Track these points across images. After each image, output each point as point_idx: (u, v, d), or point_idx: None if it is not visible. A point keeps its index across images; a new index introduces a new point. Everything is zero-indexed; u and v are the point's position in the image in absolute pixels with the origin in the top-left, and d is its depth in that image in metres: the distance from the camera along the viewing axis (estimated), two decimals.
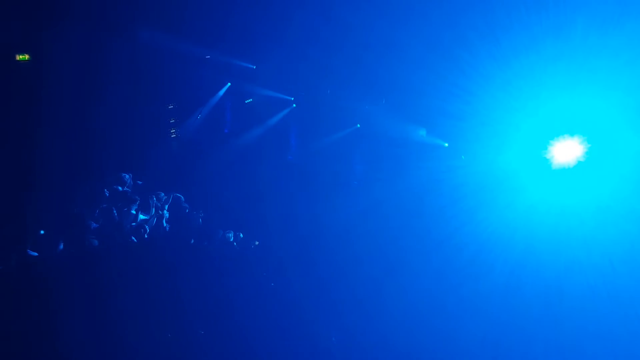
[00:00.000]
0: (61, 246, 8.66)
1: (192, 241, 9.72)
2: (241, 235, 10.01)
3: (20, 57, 11.32)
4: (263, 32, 12.48)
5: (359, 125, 14.51)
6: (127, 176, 10.62)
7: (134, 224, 9.78)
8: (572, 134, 11.33)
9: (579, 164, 11.25)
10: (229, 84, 14.02)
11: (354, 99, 14.06)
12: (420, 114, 13.40)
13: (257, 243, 9.82)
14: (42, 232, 8.75)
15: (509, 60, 11.30)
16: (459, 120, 12.54)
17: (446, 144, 13.59)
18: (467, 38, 11.55)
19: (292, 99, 14.46)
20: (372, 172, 14.05)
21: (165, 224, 10.04)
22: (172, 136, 13.64)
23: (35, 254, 8.27)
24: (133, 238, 9.30)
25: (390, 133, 13.86)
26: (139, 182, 10.80)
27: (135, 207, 10.07)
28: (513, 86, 11.52)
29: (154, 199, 10.28)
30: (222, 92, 13.99)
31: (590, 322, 8.75)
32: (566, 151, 11.36)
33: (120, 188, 10.36)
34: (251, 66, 13.77)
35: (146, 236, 9.59)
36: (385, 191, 12.91)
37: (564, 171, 11.37)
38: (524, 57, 11.14)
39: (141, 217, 10.06)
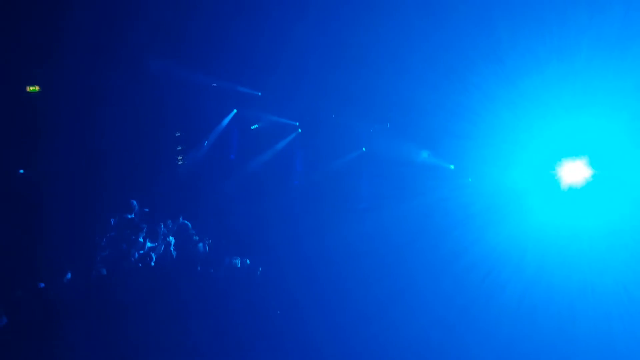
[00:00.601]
0: (69, 275, 8.71)
1: (199, 268, 9.70)
2: (248, 261, 9.96)
3: (31, 88, 11.55)
4: (267, 59, 12.62)
5: (364, 149, 14.50)
6: (134, 203, 10.69)
7: (141, 251, 9.81)
8: (579, 154, 11.24)
9: (588, 185, 11.12)
10: (235, 110, 14.17)
11: (359, 122, 14.09)
12: (426, 134, 13.38)
13: (260, 270, 9.75)
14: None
15: (514, 79, 11.29)
16: (465, 139, 12.50)
17: (452, 166, 13.53)
18: (472, 59, 11.58)
19: (297, 124, 14.54)
20: (378, 194, 14.00)
21: (172, 251, 10.04)
22: (179, 163, 13.75)
23: (43, 284, 8.31)
24: (140, 265, 9.31)
25: (395, 154, 13.84)
26: (146, 209, 10.86)
27: (142, 234, 10.11)
28: (518, 106, 11.48)
29: (161, 226, 10.33)
30: (228, 118, 14.14)
31: (604, 346, 8.55)
32: (574, 172, 11.26)
33: (128, 216, 10.42)
34: (256, 93, 13.92)
35: (153, 264, 9.61)
36: (392, 213, 12.84)
37: (573, 192, 11.25)
38: (529, 76, 11.14)
39: (148, 244, 10.10)
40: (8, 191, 10.49)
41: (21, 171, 9.50)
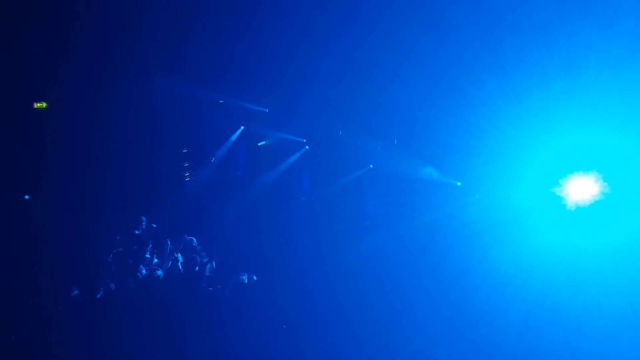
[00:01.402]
0: (75, 292, 8.79)
1: (205, 285, 9.74)
2: (255, 278, 9.99)
3: (38, 105, 11.69)
4: (274, 76, 12.71)
5: (371, 166, 14.52)
6: (141, 219, 10.78)
7: (148, 267, 9.88)
8: (586, 171, 11.17)
9: (595, 203, 11.04)
10: (242, 127, 14.26)
11: (365, 139, 14.11)
12: (432, 151, 13.35)
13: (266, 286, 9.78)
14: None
15: (520, 95, 11.27)
16: (471, 156, 12.47)
17: (459, 183, 13.51)
18: (478, 74, 11.60)
19: (304, 140, 14.60)
20: (384, 211, 13.98)
21: (179, 267, 10.09)
22: (187, 179, 13.84)
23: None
24: (147, 281, 9.37)
25: (401, 171, 13.83)
26: (153, 225, 10.95)
27: (149, 250, 10.18)
28: (524, 122, 11.45)
29: (168, 242, 10.39)
30: (235, 135, 14.22)
31: None
32: (581, 189, 11.17)
33: (135, 232, 10.51)
34: (264, 109, 14.00)
35: (160, 279, 9.66)
36: (397, 230, 12.82)
37: (580, 210, 11.17)
38: (536, 91, 11.10)
39: (155, 260, 10.16)
40: (15, 205, 10.63)
41: (26, 197, 9.61)
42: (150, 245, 10.24)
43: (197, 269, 9.95)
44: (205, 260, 10.35)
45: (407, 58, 11.96)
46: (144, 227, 10.66)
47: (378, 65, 12.35)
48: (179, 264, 10.12)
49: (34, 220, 10.69)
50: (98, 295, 8.76)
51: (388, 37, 11.84)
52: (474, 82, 11.71)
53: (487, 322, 9.42)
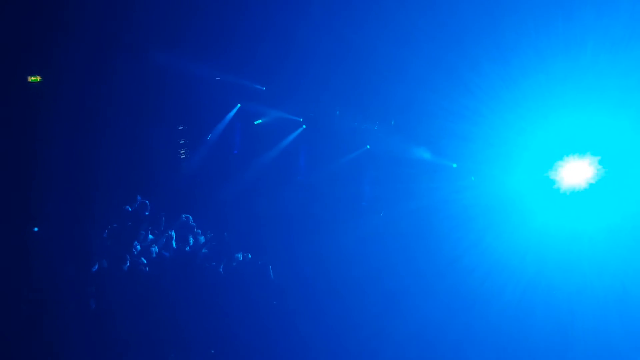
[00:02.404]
0: (70, 268, 8.71)
1: (199, 261, 9.71)
2: (249, 255, 9.98)
3: (32, 78, 11.51)
4: (272, 54, 12.61)
5: (369, 147, 14.51)
6: (136, 196, 10.67)
7: (143, 244, 9.81)
8: (581, 155, 11.25)
9: (590, 186, 11.14)
10: (239, 105, 14.16)
11: (363, 120, 14.11)
12: (429, 134, 13.39)
13: (260, 264, 9.77)
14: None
15: (517, 80, 11.29)
16: (467, 141, 12.51)
17: (455, 165, 13.56)
18: (475, 59, 11.59)
19: (301, 119, 14.53)
20: (380, 192, 14.02)
21: (173, 244, 10.04)
22: (182, 157, 13.76)
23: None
24: (142, 259, 9.31)
25: (398, 154, 13.86)
26: (147, 202, 10.84)
27: (144, 227, 10.11)
28: (521, 106, 11.48)
29: (163, 219, 10.33)
30: (232, 113, 14.13)
31: (602, 347, 8.59)
32: (576, 172, 11.26)
33: (129, 208, 10.41)
34: (260, 87, 13.90)
35: (154, 256, 9.61)
36: (393, 212, 12.86)
37: (575, 193, 11.27)
38: (532, 77, 11.13)
39: (150, 237, 10.10)
40: (9, 183, 10.47)
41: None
42: (145, 222, 10.16)
43: (191, 246, 9.93)
44: (200, 238, 10.33)
45: (406, 41, 11.93)
46: (138, 203, 10.55)
47: (376, 48, 12.31)
48: (173, 242, 10.06)
49: (27, 199, 10.55)
50: (94, 269, 8.68)
51: (387, 20, 11.79)
52: (471, 66, 11.71)
53: (482, 304, 9.51)
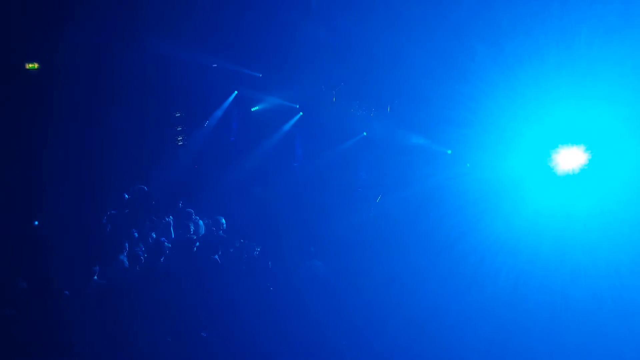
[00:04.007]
0: (67, 254, 8.73)
1: (196, 249, 9.76)
2: (246, 242, 10.03)
3: (30, 65, 11.51)
4: (269, 41, 12.61)
5: (365, 134, 14.54)
6: (134, 184, 10.72)
7: (140, 231, 9.86)
8: (576, 141, 11.30)
9: (583, 171, 11.20)
10: (236, 92, 14.16)
11: (359, 107, 14.11)
12: (424, 121, 13.42)
13: (257, 251, 9.81)
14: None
15: (513, 67, 11.31)
16: (463, 127, 12.54)
17: (449, 151, 13.60)
18: (470, 45, 11.61)
19: (298, 106, 14.54)
20: (376, 179, 14.07)
21: (171, 231, 10.09)
22: (179, 144, 13.78)
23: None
24: (141, 245, 9.36)
25: (394, 140, 13.89)
26: (144, 188, 10.89)
27: (141, 214, 10.16)
28: (517, 93, 11.51)
29: (160, 206, 10.37)
30: (229, 100, 14.13)
31: (595, 328, 8.69)
32: (570, 158, 11.32)
33: (126, 195, 10.46)
34: (257, 74, 13.90)
35: (151, 241, 9.66)
36: (389, 198, 12.92)
37: (569, 178, 11.32)
38: (528, 64, 11.14)
39: (147, 224, 10.14)
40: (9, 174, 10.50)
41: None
42: (142, 209, 10.21)
43: (190, 233, 9.97)
44: (198, 225, 10.37)
45: (403, 30, 11.94)
46: (136, 190, 10.61)
47: (373, 36, 12.32)
48: (171, 228, 10.11)
49: (24, 184, 10.58)
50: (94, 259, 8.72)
51: (383, 7, 11.79)
52: (467, 52, 11.73)
53: (477, 289, 9.59)
